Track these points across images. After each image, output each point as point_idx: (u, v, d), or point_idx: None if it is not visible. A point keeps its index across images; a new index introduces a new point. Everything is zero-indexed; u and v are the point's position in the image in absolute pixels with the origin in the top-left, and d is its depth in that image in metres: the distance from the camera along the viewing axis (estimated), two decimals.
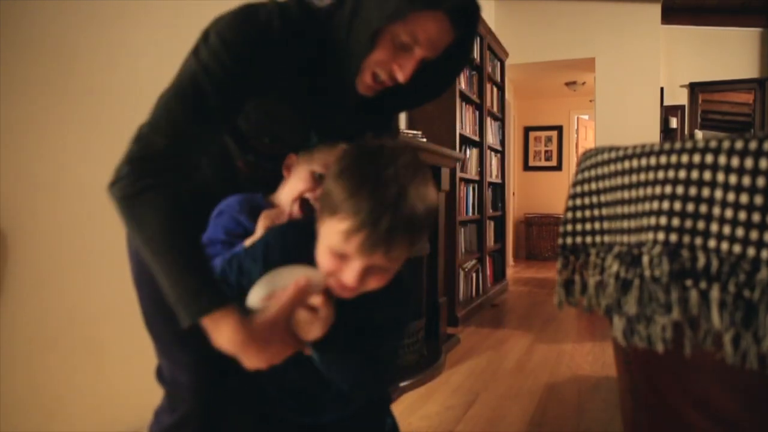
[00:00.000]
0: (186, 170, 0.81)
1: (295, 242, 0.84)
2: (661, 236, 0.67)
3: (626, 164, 0.74)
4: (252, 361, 0.75)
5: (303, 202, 0.93)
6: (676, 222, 0.66)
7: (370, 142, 0.82)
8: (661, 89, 5.22)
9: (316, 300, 0.76)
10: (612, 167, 0.77)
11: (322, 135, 0.98)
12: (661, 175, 0.69)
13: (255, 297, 0.75)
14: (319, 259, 0.78)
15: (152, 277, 0.77)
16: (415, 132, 3.01)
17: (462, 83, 3.86)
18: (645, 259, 0.68)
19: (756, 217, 0.60)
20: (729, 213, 0.62)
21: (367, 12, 0.84)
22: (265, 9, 0.86)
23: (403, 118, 3.58)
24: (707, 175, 0.64)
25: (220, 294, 0.74)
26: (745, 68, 5.41)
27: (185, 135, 0.80)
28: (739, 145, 0.62)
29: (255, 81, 0.86)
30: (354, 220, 0.71)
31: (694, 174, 0.65)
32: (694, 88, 5.57)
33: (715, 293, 0.62)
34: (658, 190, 0.69)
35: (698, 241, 0.65)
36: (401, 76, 0.84)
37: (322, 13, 0.90)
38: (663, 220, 0.67)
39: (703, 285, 0.64)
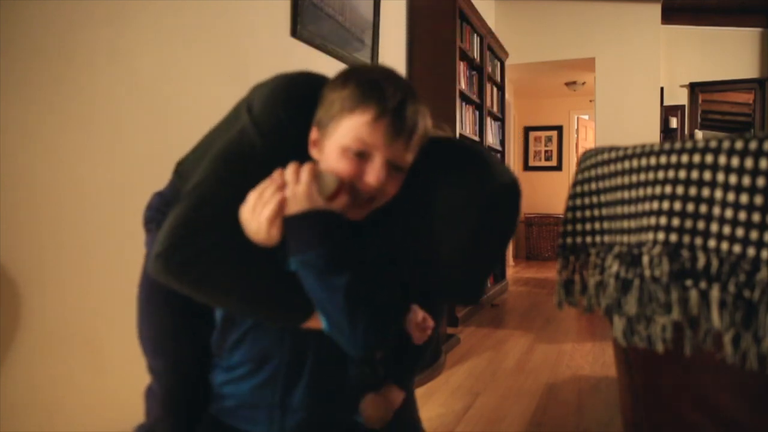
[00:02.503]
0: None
1: None
2: (661, 236, 0.67)
3: (626, 164, 0.74)
4: None
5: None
6: (676, 222, 0.66)
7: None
8: (661, 89, 5.22)
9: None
10: (612, 167, 0.77)
11: None
12: (661, 175, 0.69)
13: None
14: (335, 165, 0.79)
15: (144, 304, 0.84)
16: None
17: (462, 83, 3.86)
18: (645, 259, 0.68)
19: (756, 217, 0.60)
20: (729, 213, 0.62)
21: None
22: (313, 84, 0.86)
23: None
24: (707, 175, 0.64)
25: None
26: (745, 68, 5.41)
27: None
28: (739, 145, 0.62)
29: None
30: (380, 107, 0.76)
31: (694, 174, 0.65)
32: (694, 88, 5.56)
33: (715, 293, 0.62)
34: (658, 190, 0.69)
35: (698, 241, 0.65)
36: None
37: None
38: (663, 220, 0.67)
39: (703, 285, 0.64)
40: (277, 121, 0.82)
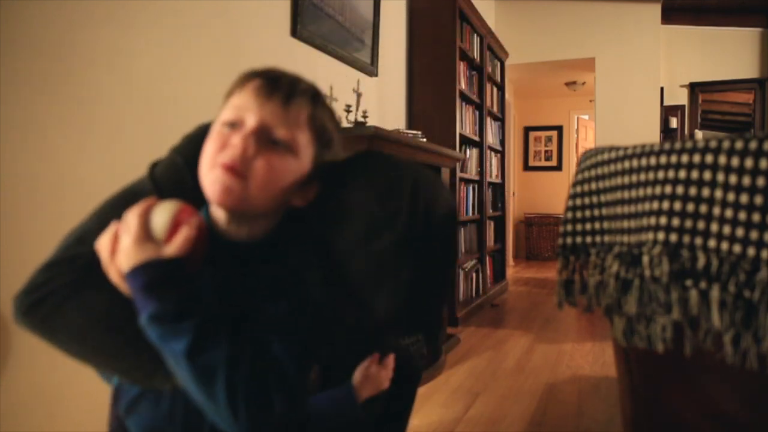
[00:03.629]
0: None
1: None
2: (661, 236, 0.67)
3: (626, 164, 0.74)
4: None
5: None
6: (676, 222, 0.66)
7: None
8: (661, 89, 5.22)
9: None
10: (612, 167, 0.77)
11: None
12: (661, 175, 0.69)
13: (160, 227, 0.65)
14: (205, 149, 0.68)
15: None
16: (415, 132, 3.01)
17: (462, 83, 3.86)
18: (645, 259, 0.68)
19: (756, 217, 0.60)
20: (729, 213, 0.62)
21: None
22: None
23: (402, 118, 3.58)
24: (707, 175, 0.64)
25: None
26: (745, 68, 5.41)
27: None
28: (739, 145, 0.62)
29: None
30: (254, 73, 0.70)
31: (694, 174, 0.65)
32: (694, 88, 5.57)
33: (715, 293, 0.62)
34: (658, 190, 0.69)
35: (698, 241, 0.65)
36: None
37: None
38: (663, 220, 0.67)
39: (703, 285, 0.64)
40: (172, 164, 0.76)
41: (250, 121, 0.67)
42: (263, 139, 0.67)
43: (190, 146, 0.78)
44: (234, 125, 0.67)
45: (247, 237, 0.71)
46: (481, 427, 1.95)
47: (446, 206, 0.80)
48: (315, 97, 0.72)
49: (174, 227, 0.63)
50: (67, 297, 0.68)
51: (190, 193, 0.72)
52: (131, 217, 0.64)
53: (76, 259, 0.70)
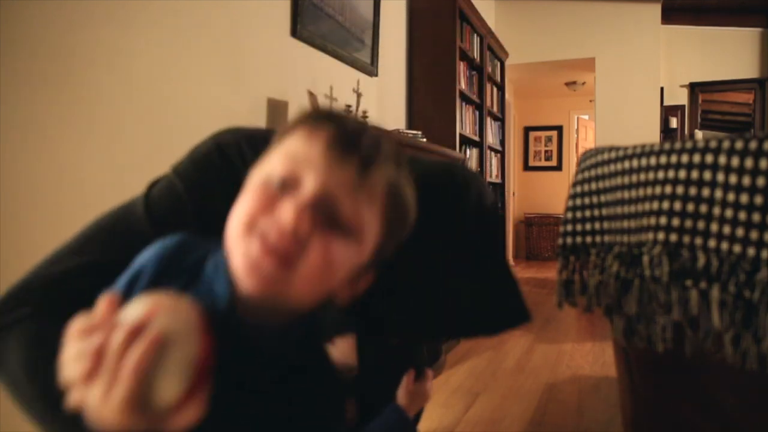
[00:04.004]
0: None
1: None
2: (661, 236, 0.67)
3: (626, 164, 0.74)
4: None
5: None
6: (676, 222, 0.66)
7: None
8: (661, 89, 5.22)
9: None
10: (612, 167, 0.77)
11: None
12: (661, 175, 0.69)
13: None
14: (240, 204, 0.50)
15: None
16: (415, 132, 3.01)
17: (462, 83, 3.86)
18: (645, 259, 0.68)
19: (756, 217, 0.60)
20: (729, 213, 0.62)
21: None
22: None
23: (402, 118, 3.58)
24: (707, 175, 0.64)
25: None
26: (745, 68, 5.41)
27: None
28: (739, 145, 0.62)
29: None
30: (320, 116, 0.53)
31: (694, 174, 0.65)
32: (694, 88, 5.57)
33: (715, 293, 0.62)
34: (658, 190, 0.69)
35: (698, 241, 0.65)
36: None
37: None
38: (663, 220, 0.67)
39: (703, 285, 0.64)
40: (170, 190, 0.67)
41: (310, 185, 0.48)
42: (324, 215, 0.48)
43: (194, 173, 0.68)
44: (286, 184, 0.49)
45: (266, 319, 0.52)
46: (481, 427, 1.95)
47: (492, 197, 0.79)
48: (399, 161, 0.55)
49: (188, 395, 0.41)
50: (13, 332, 0.57)
51: (189, 224, 0.62)
52: (130, 367, 0.40)
53: (39, 289, 0.61)
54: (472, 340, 3.11)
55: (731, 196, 0.62)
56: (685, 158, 0.66)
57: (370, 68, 3.05)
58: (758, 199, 0.60)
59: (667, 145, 0.69)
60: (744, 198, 0.61)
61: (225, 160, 0.68)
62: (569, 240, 0.85)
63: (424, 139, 2.95)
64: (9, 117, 1.25)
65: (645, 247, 0.69)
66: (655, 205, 0.68)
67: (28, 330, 0.56)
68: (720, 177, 0.63)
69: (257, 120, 2.10)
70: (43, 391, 0.56)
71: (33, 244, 1.30)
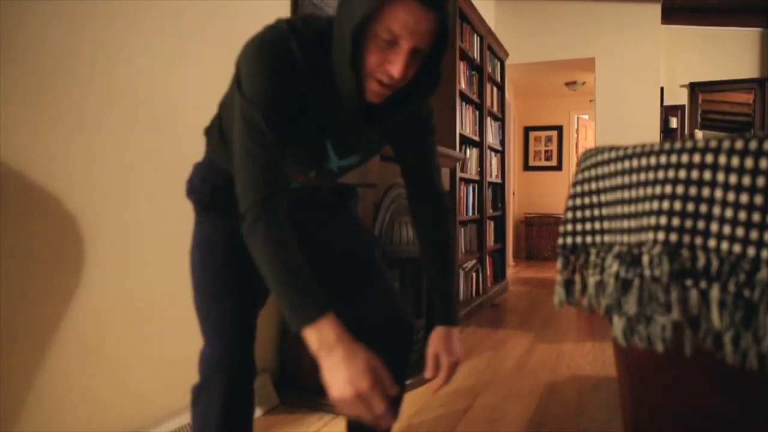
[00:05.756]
0: (281, 203, 0.92)
1: None
2: (661, 236, 0.67)
3: (626, 164, 0.74)
4: (333, 374, 0.84)
5: None
6: (676, 222, 0.66)
7: None
8: (661, 89, 5.22)
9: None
10: (612, 167, 0.77)
11: (340, 151, 1.07)
12: (661, 174, 0.69)
13: None
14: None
15: (197, 274, 1.09)
16: None
17: (462, 83, 3.86)
18: (645, 259, 0.68)
19: (756, 217, 0.60)
20: (729, 213, 0.62)
21: (339, 23, 0.88)
22: (280, 36, 0.91)
23: None
24: (707, 175, 0.64)
25: (315, 308, 0.86)
26: (745, 68, 5.41)
27: (276, 172, 0.93)
28: (739, 145, 0.62)
29: (289, 107, 0.93)
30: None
31: (694, 174, 0.65)
32: (694, 88, 5.57)
33: (715, 293, 0.62)
34: (658, 189, 0.69)
35: (698, 240, 0.65)
36: (395, 71, 0.86)
37: (324, 26, 0.95)
38: (663, 220, 0.67)
39: (703, 285, 0.64)
40: (268, 95, 0.90)
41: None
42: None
43: (274, 70, 0.90)
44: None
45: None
46: (481, 426, 1.95)
47: None
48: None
49: None
50: (269, 229, 0.90)
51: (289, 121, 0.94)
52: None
53: (266, 199, 0.91)
54: None
55: (731, 196, 0.62)
56: (685, 158, 0.66)
57: None
58: (758, 199, 0.60)
59: (667, 145, 0.69)
60: (744, 198, 0.61)
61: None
62: (569, 240, 0.85)
63: None
64: (9, 117, 1.25)
65: (645, 247, 0.69)
66: (655, 205, 0.68)
67: (265, 230, 0.89)
68: (720, 177, 0.63)
69: None
70: (281, 267, 0.89)
71: (33, 243, 1.30)
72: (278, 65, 0.89)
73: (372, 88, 0.91)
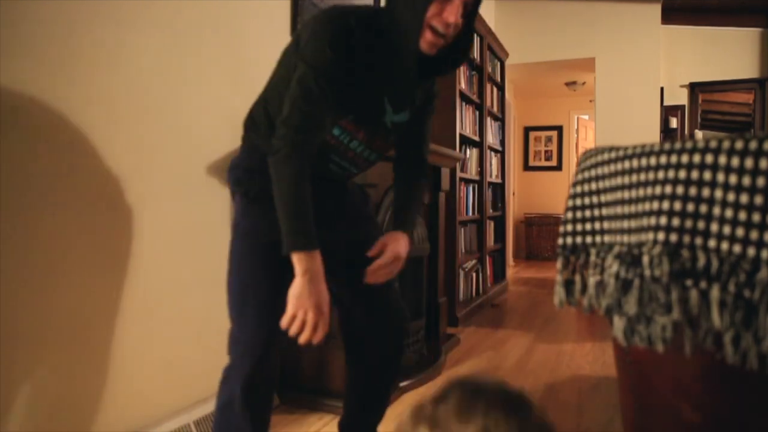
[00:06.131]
0: (313, 146, 1.11)
1: None
2: (661, 236, 0.67)
3: (626, 164, 0.74)
4: (299, 291, 1.06)
5: None
6: (676, 222, 0.66)
7: None
8: (661, 89, 5.22)
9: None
10: (612, 167, 0.77)
11: (395, 105, 1.23)
12: (661, 175, 0.69)
13: None
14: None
15: (240, 259, 1.20)
16: None
17: (462, 83, 3.86)
18: (645, 259, 0.68)
19: (756, 217, 0.60)
20: (729, 213, 0.62)
21: None
22: (341, 14, 1.10)
23: None
24: (707, 175, 0.64)
25: (313, 240, 1.06)
26: (745, 68, 5.41)
27: (315, 123, 1.11)
28: (739, 145, 0.62)
29: (346, 72, 1.11)
30: None
31: (694, 174, 0.65)
32: (694, 88, 5.57)
33: (715, 293, 0.62)
34: (658, 190, 0.69)
35: (698, 241, 0.65)
36: (452, 17, 1.06)
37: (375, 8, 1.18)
38: (663, 220, 0.67)
39: (703, 285, 0.64)
40: (327, 60, 1.07)
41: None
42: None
43: (335, 40, 1.08)
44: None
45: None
46: None
47: None
48: None
49: None
50: (299, 162, 1.09)
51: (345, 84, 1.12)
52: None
53: (304, 140, 1.10)
54: None
55: (731, 196, 0.62)
56: (685, 158, 0.66)
57: None
58: (758, 199, 0.60)
59: (667, 145, 0.69)
60: (744, 198, 0.61)
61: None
62: (569, 240, 0.85)
63: None
64: (9, 117, 1.25)
65: (645, 247, 0.69)
66: (655, 205, 0.68)
67: (295, 161, 1.08)
68: (720, 177, 0.63)
69: None
70: (297, 196, 1.07)
71: (33, 244, 1.30)
72: (338, 35, 1.07)
73: (427, 38, 1.08)
